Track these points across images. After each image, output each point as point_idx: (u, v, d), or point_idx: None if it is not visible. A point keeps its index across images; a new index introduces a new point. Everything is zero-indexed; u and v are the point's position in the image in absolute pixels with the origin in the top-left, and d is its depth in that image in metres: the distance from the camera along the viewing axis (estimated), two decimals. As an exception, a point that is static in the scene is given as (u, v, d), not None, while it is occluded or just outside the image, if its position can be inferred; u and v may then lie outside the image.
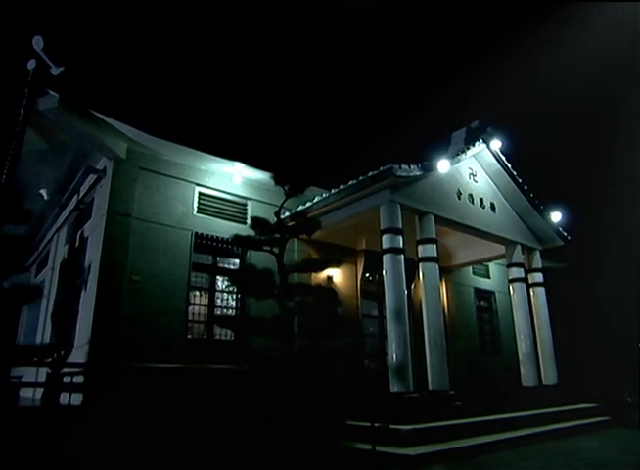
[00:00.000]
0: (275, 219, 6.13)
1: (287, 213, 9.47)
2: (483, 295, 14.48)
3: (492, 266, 14.84)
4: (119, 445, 5.27)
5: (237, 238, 6.08)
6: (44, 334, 10.90)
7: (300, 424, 6.15)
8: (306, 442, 6.06)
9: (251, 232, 6.88)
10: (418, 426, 7.01)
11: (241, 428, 6.02)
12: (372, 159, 8.56)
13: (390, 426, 6.50)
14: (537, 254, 11.91)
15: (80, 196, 10.17)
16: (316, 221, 6.39)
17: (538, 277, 11.72)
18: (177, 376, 6.55)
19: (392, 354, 8.08)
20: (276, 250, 5.93)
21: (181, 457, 5.62)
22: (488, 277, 14.81)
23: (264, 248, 6.11)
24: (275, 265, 6.26)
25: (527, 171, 11.72)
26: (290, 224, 6.14)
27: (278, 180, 6.28)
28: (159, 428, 5.67)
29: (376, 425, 6.16)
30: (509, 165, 10.91)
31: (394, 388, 7.93)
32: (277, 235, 5.99)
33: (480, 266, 14.58)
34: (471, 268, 14.20)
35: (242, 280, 6.56)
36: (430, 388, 8.44)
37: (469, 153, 10.07)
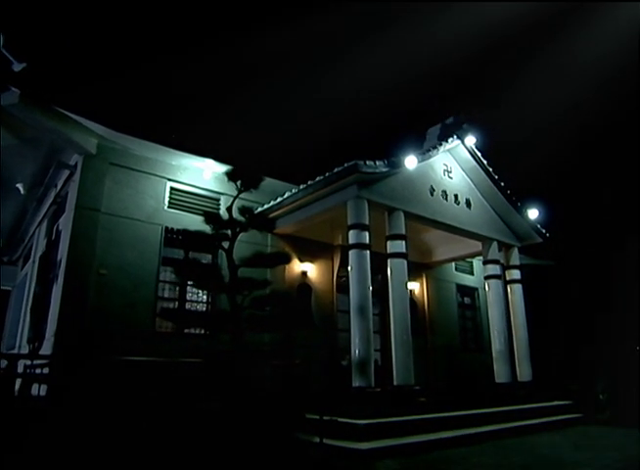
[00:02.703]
0: (227, 215, 6.17)
1: (260, 208, 9.63)
2: (466, 291, 14.43)
3: (476, 263, 14.74)
4: (67, 435, 5.37)
5: (185, 232, 6.15)
6: (24, 327, 11.09)
7: (258, 418, 6.23)
8: (262, 435, 6.13)
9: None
10: (374, 421, 7.07)
11: (199, 421, 6.10)
12: (352, 155, 8.53)
13: (340, 420, 6.56)
14: (515, 250, 11.85)
15: (57, 190, 10.29)
16: (264, 217, 6.45)
17: (516, 274, 11.67)
18: (140, 369, 6.63)
19: (355, 350, 8.13)
20: (226, 245, 5.99)
21: (135, 452, 5.70)
22: (472, 274, 14.74)
23: (216, 243, 6.17)
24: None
25: (508, 167, 11.69)
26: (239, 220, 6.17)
27: (231, 176, 6.32)
28: (112, 421, 5.76)
29: (325, 418, 6.23)
30: (485, 162, 10.82)
31: (356, 383, 7.99)
32: (228, 230, 6.04)
33: (464, 263, 14.51)
34: (453, 264, 14.15)
35: (187, 273, 6.63)
36: (395, 383, 8.49)
37: (441, 149, 10.01)
